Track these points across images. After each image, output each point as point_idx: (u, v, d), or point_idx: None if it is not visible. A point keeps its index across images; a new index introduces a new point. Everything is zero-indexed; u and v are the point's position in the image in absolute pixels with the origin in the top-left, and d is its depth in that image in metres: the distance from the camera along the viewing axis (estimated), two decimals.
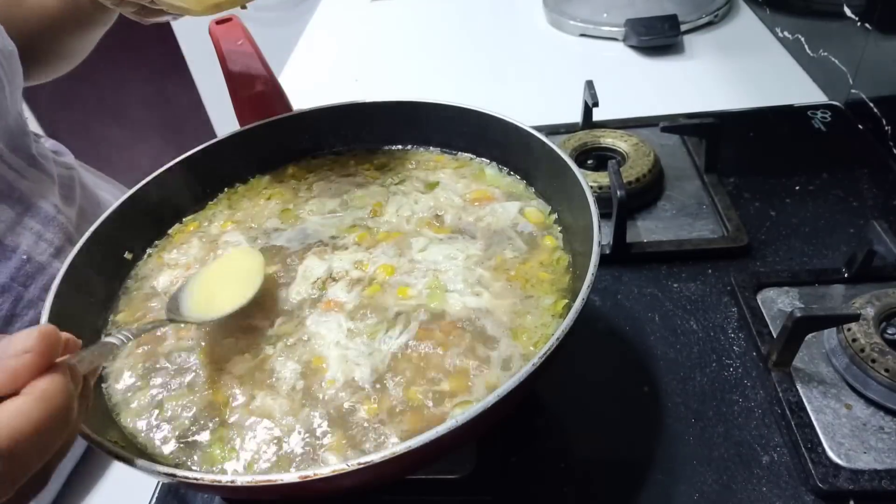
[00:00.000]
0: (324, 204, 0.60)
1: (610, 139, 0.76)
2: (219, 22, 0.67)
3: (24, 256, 0.59)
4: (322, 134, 0.66)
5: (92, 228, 0.52)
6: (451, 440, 0.35)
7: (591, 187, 0.53)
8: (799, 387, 0.51)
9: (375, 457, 0.34)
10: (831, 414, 0.49)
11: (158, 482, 0.53)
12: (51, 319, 0.44)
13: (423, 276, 0.51)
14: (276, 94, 0.65)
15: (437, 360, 0.44)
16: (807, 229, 0.67)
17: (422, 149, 0.65)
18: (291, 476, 0.34)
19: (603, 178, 0.69)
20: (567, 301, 0.47)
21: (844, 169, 0.73)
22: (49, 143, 0.73)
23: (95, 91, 2.14)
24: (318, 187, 0.62)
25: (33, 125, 1.94)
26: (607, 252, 0.65)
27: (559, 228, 0.54)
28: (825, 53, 0.87)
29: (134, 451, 0.38)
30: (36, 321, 0.57)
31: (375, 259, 0.53)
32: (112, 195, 0.80)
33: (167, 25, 2.17)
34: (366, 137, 0.66)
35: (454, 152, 0.64)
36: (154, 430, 0.43)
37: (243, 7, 0.53)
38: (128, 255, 0.56)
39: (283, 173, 0.65)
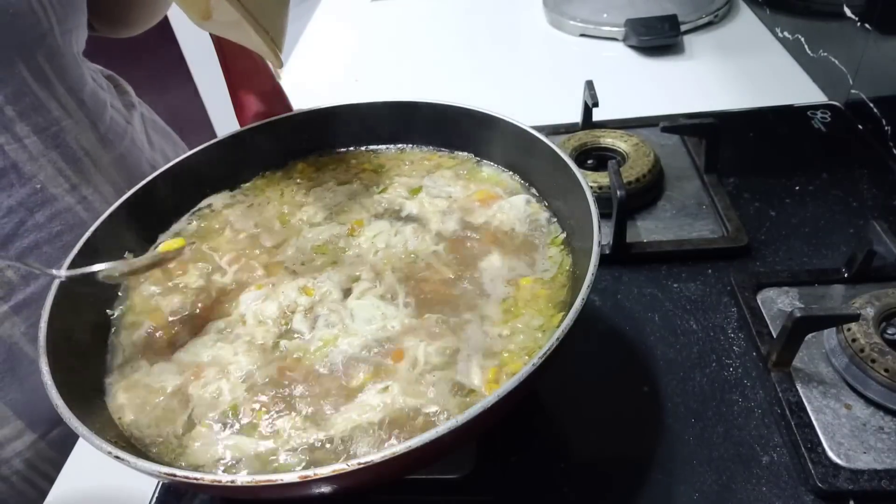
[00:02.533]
0: (315, 213, 0.60)
1: (610, 139, 0.76)
2: None
3: (39, 186, 0.63)
4: (322, 134, 0.66)
5: (92, 228, 0.52)
6: (451, 440, 0.35)
7: (591, 187, 0.53)
8: (799, 387, 0.51)
9: (375, 457, 0.34)
10: (831, 414, 0.49)
11: (158, 482, 0.53)
12: (51, 316, 0.44)
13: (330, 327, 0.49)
14: (276, 94, 0.65)
15: None
16: (807, 229, 0.67)
17: (421, 148, 0.65)
18: (291, 476, 0.34)
19: (603, 178, 0.69)
20: (564, 313, 0.47)
21: (844, 169, 0.73)
22: (120, 99, 0.79)
23: None
24: (314, 194, 0.62)
25: None
26: (607, 252, 0.65)
27: (561, 236, 0.53)
28: (825, 53, 0.87)
29: (134, 451, 0.38)
30: (35, 246, 0.63)
31: (319, 285, 0.52)
32: (172, 152, 0.86)
33: (167, 25, 2.18)
34: (366, 137, 0.66)
35: (453, 151, 0.64)
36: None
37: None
38: (128, 256, 0.56)
39: (292, 170, 0.65)
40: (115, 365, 0.48)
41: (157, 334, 0.50)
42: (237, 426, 0.43)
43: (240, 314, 0.51)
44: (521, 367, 0.37)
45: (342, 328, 0.48)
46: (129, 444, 0.43)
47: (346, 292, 0.51)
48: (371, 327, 0.48)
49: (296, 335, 0.49)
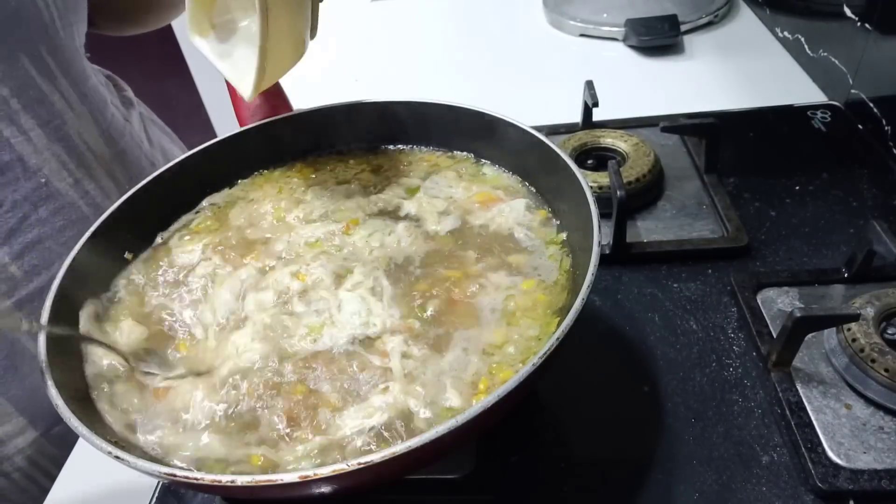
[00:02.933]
0: (311, 211, 0.60)
1: (610, 139, 0.76)
2: None
3: (43, 180, 0.64)
4: (322, 134, 0.66)
5: (92, 229, 0.52)
6: (452, 440, 0.35)
7: (591, 187, 0.53)
8: (799, 387, 0.51)
9: (375, 457, 0.34)
10: (831, 414, 0.49)
11: (158, 482, 0.53)
12: (51, 315, 0.44)
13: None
14: (276, 94, 0.65)
15: None
16: (807, 229, 0.67)
17: (420, 148, 0.65)
18: (291, 476, 0.34)
19: (603, 178, 0.69)
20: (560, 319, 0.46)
21: (844, 169, 0.73)
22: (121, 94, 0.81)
23: None
24: (312, 192, 0.62)
25: None
26: (607, 252, 0.65)
27: (562, 236, 0.53)
28: (825, 53, 0.87)
29: (134, 451, 0.38)
30: (38, 241, 0.64)
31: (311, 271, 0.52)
32: (170, 150, 0.88)
33: (167, 25, 2.17)
34: (366, 137, 0.66)
35: (452, 151, 0.64)
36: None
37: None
38: (128, 256, 0.56)
39: (290, 169, 0.65)
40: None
41: (156, 329, 0.50)
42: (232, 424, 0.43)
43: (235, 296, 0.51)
44: (511, 375, 0.36)
45: (328, 318, 0.49)
46: (130, 443, 0.43)
47: (339, 282, 0.51)
48: (355, 321, 0.48)
49: (294, 315, 0.49)
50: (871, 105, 0.77)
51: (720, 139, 0.72)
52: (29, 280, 0.64)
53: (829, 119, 0.82)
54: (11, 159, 0.62)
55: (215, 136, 0.62)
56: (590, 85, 0.80)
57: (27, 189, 0.63)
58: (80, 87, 0.69)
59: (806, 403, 0.49)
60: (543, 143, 0.54)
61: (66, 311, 0.47)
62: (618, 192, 0.62)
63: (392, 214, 0.58)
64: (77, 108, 0.68)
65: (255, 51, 0.48)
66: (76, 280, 0.48)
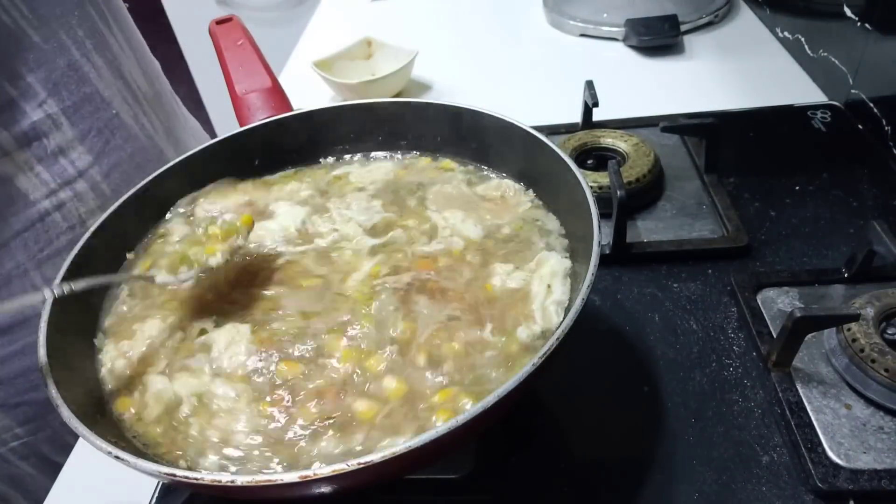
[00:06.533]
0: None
1: (610, 139, 0.76)
2: (219, 22, 0.67)
3: (115, 111, 0.74)
4: (322, 134, 0.66)
5: (92, 228, 0.52)
6: (451, 440, 0.35)
7: (591, 187, 0.53)
8: (799, 387, 0.51)
9: (375, 457, 0.34)
10: (831, 414, 0.49)
11: (158, 482, 0.53)
12: (50, 320, 0.44)
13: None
14: (276, 94, 0.65)
15: None
16: (807, 229, 0.67)
17: (415, 153, 0.65)
18: (291, 476, 0.34)
19: (603, 178, 0.69)
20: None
21: (844, 169, 0.73)
22: None
23: None
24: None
25: None
26: (607, 252, 0.65)
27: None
28: (825, 53, 0.87)
29: (134, 451, 0.38)
30: (116, 164, 0.74)
31: None
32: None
33: (167, 25, 2.18)
34: (366, 138, 0.66)
35: (451, 154, 0.64)
36: None
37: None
38: (129, 255, 0.56)
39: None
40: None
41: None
42: None
43: None
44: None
45: None
46: (130, 443, 0.43)
47: None
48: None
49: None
50: (871, 105, 0.77)
51: (720, 139, 0.72)
52: (116, 197, 0.70)
53: (829, 119, 0.82)
54: (92, 92, 0.71)
55: (215, 136, 0.62)
56: (590, 85, 0.80)
57: (105, 118, 0.72)
58: (126, 33, 0.79)
59: (806, 403, 0.49)
60: (543, 143, 0.54)
61: (65, 310, 0.47)
62: (618, 192, 0.62)
63: None
64: (127, 51, 0.78)
65: None
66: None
